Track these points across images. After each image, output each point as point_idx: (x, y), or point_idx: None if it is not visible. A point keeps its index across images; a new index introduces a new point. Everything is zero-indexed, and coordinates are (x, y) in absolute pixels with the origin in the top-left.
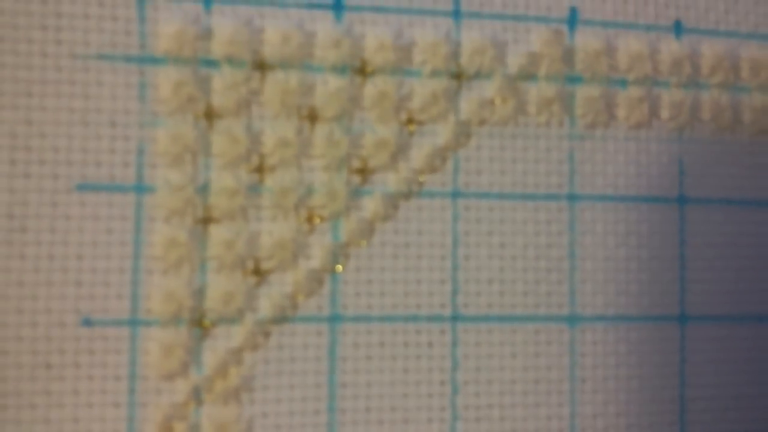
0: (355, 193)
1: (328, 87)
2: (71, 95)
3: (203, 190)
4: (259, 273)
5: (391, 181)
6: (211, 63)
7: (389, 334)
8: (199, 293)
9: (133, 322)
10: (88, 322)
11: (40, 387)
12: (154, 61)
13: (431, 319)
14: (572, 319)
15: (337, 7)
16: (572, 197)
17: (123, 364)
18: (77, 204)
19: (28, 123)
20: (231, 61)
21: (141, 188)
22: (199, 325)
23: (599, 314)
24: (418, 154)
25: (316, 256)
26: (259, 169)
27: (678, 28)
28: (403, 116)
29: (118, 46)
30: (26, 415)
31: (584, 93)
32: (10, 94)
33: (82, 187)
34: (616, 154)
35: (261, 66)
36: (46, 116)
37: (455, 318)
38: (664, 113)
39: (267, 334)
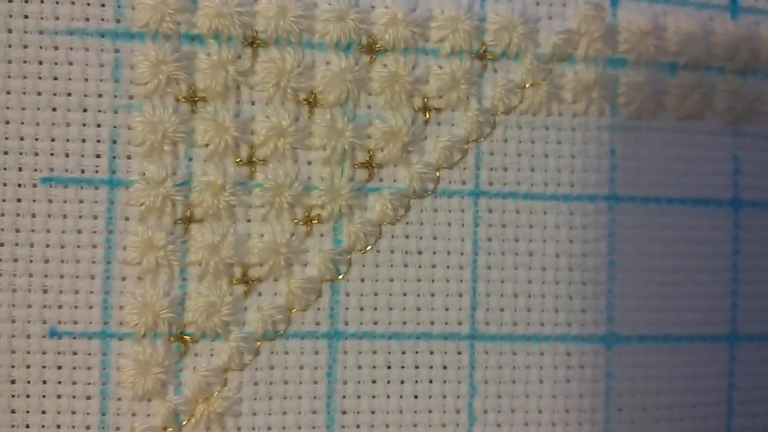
0: (360, 191)
1: (330, 67)
2: (38, 76)
3: (184, 185)
4: (247, 281)
5: (401, 176)
6: (196, 38)
7: (397, 353)
8: (179, 303)
9: (105, 335)
10: (55, 334)
11: (3, 404)
12: (131, 36)
13: (446, 337)
14: (609, 339)
15: None
16: (612, 198)
17: (94, 381)
18: (43, 199)
19: None
20: (218, 36)
21: (114, 182)
22: (179, 339)
23: (640, 333)
24: (434, 146)
25: (314, 263)
26: (249, 162)
27: (734, 7)
28: (417, 102)
29: (90, 20)
30: None
31: (628, 78)
32: None
33: (49, 181)
34: (663, 149)
35: (252, 42)
36: (9, 100)
37: (474, 336)
38: (718, 103)
39: (256, 352)
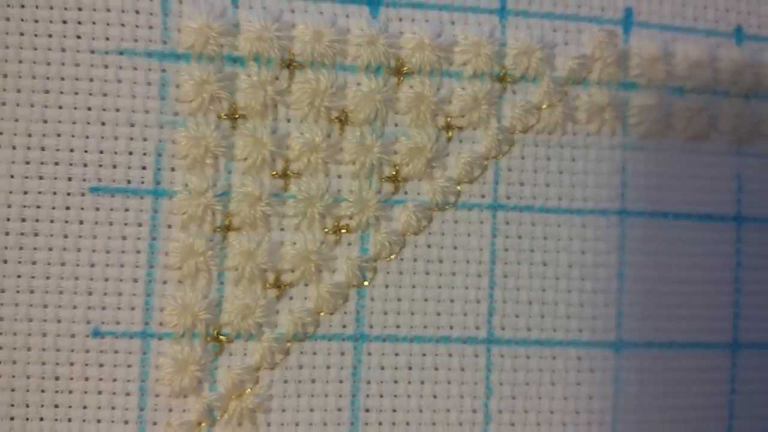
0: (386, 203)
1: (361, 88)
2: (89, 92)
3: (224, 195)
4: (279, 286)
5: (425, 190)
6: (237, 60)
7: (418, 356)
8: (216, 306)
9: (145, 335)
10: (98, 333)
11: (48, 399)
12: (177, 57)
13: (465, 341)
14: (618, 345)
15: (373, 3)
16: (623, 213)
17: (133, 378)
18: (91, 207)
19: (44, 121)
20: (258, 58)
21: (158, 192)
22: (215, 339)
23: (647, 340)
24: (456, 161)
25: (342, 270)
26: (284, 175)
27: (739, 35)
28: (441, 121)
29: (139, 41)
30: (33, 427)
31: (639, 100)
32: (28, 91)
33: (97, 190)
34: (671, 168)
35: (289, 64)
36: (62, 114)
37: (490, 341)
38: (723, 125)
39: (286, 352)
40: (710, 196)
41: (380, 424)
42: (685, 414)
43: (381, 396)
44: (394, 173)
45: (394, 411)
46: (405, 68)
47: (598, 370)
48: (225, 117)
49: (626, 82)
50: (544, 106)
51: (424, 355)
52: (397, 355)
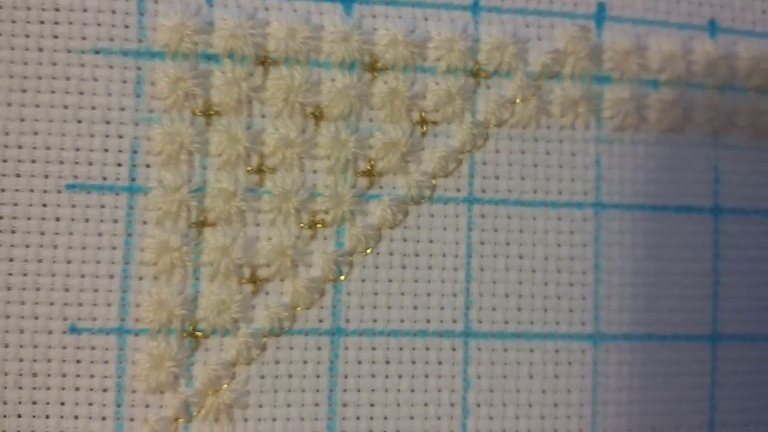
0: (361, 197)
1: (335, 84)
2: (65, 91)
3: (199, 191)
4: (255, 281)
5: (400, 184)
6: (212, 57)
7: (395, 349)
8: (191, 301)
9: (122, 331)
10: (75, 330)
11: (26, 396)
12: (152, 55)
13: (442, 334)
14: (596, 337)
15: (347, 0)
16: (598, 205)
17: (110, 375)
18: (67, 204)
19: (21, 119)
20: (232, 55)
21: (133, 189)
22: (191, 335)
23: (625, 332)
24: (431, 156)
25: (318, 264)
26: (259, 170)
27: (713, 28)
28: (415, 116)
29: (115, 40)
30: (11, 424)
31: (612, 93)
32: (5, 90)
33: (73, 187)
34: (646, 160)
35: (264, 61)
36: (38, 113)
37: (468, 334)
38: (698, 117)
39: (263, 347)
40: (687, 187)
41: (358, 418)
42: (666, 407)
43: (358, 390)
44: (369, 168)
45: (372, 405)
46: (379, 64)
47: (576, 363)
48: (200, 114)
49: (600, 75)
50: (518, 101)
51: (401, 349)
52: (374, 349)
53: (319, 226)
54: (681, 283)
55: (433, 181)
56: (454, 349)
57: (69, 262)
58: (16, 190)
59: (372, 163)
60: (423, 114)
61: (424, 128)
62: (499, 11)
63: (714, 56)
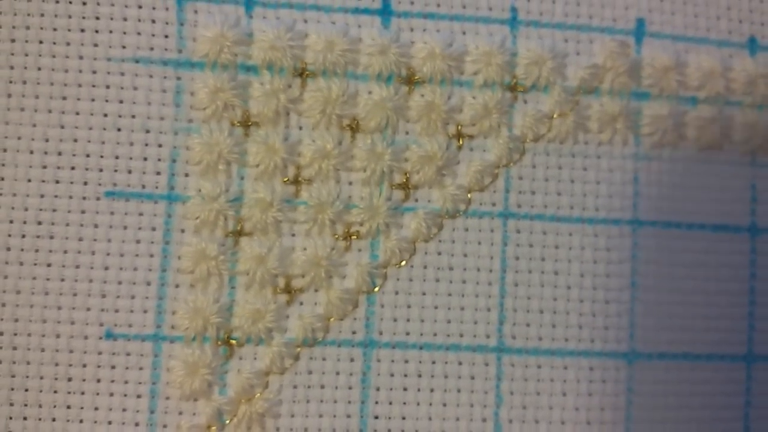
0: (396, 210)
1: (372, 96)
2: (105, 99)
3: (236, 201)
4: (290, 291)
5: (435, 197)
6: (251, 69)
7: (428, 363)
8: (227, 310)
9: (157, 338)
10: (110, 335)
11: (60, 400)
12: (192, 65)
13: (475, 349)
14: (631, 356)
15: (385, 12)
16: (635, 223)
17: (145, 381)
18: (106, 211)
19: (61, 126)
20: (271, 67)
21: (172, 197)
22: (225, 343)
23: (660, 351)
24: (467, 170)
25: (352, 276)
26: (295, 181)
27: (752, 45)
28: (452, 129)
29: (155, 50)
30: (46, 428)
31: (651, 110)
32: (46, 97)
33: (112, 194)
34: (683, 178)
35: (302, 73)
36: (79, 120)
37: (501, 349)
38: (737, 135)
39: (296, 357)
40: (724, 206)
41: (389, 431)
42: (699, 427)
43: (390, 403)
44: (404, 180)
45: (404, 419)
46: (416, 77)
47: (610, 381)
48: (238, 124)
49: (638, 91)
50: (555, 116)
51: (433, 362)
52: (406, 362)
53: (353, 237)
54: (717, 303)
55: (469, 195)
56: (487, 365)
57: (106, 268)
58: (56, 197)
59: (407, 175)
60: (459, 127)
61: (460, 142)
62: (538, 25)
63: (753, 74)
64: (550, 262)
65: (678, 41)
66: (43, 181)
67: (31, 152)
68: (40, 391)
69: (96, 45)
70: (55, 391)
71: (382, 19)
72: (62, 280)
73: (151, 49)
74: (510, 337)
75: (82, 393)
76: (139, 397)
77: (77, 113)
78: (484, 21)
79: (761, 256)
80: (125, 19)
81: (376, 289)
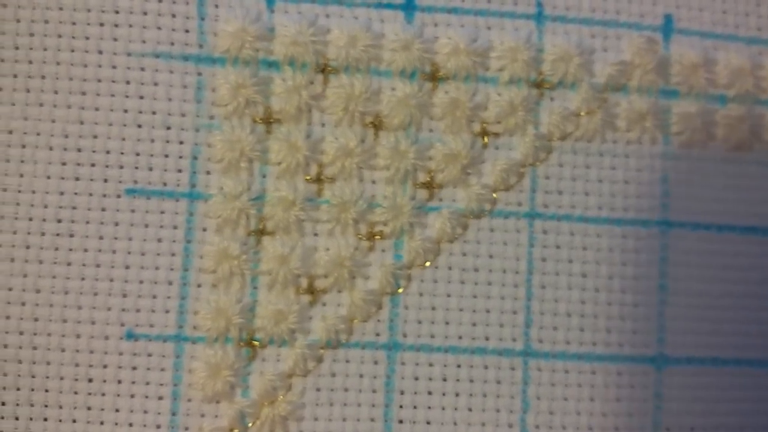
0: (421, 209)
1: (396, 93)
2: (125, 95)
3: (258, 199)
4: (313, 292)
5: (460, 197)
6: (272, 64)
7: (453, 366)
8: (249, 311)
9: (179, 338)
10: (132, 336)
11: (81, 401)
12: (213, 61)
13: (501, 353)
14: (659, 361)
15: (408, 7)
16: (665, 224)
17: (166, 382)
18: (126, 209)
19: (81, 122)
20: (293, 63)
21: (193, 195)
22: (248, 344)
23: (690, 355)
24: (492, 168)
25: (375, 277)
26: (318, 180)
27: None
28: (477, 127)
29: (175, 44)
30: (66, 429)
31: (680, 108)
32: (65, 92)
33: (132, 192)
34: (713, 178)
35: (324, 69)
36: (98, 116)
37: (527, 353)
38: (767, 134)
39: (319, 359)
40: (755, 208)
41: None
42: None
43: (414, 407)
44: (428, 179)
45: (428, 423)
46: (440, 73)
47: (638, 387)
48: (260, 121)
49: (667, 89)
50: (583, 113)
51: (458, 366)
52: (431, 365)
53: (377, 237)
54: (748, 306)
55: (494, 195)
56: (513, 369)
57: (127, 267)
58: (75, 194)
59: (432, 174)
60: (484, 125)
61: (486, 140)
62: (564, 21)
63: None
64: (578, 264)
65: (706, 38)
66: (63, 179)
67: (51, 149)
68: (61, 392)
69: (116, 39)
70: (76, 392)
71: (406, 14)
72: (83, 279)
73: (172, 44)
74: (537, 340)
75: (103, 394)
76: (160, 398)
77: (97, 109)
78: (509, 16)
79: None
80: (145, 13)
81: (400, 290)
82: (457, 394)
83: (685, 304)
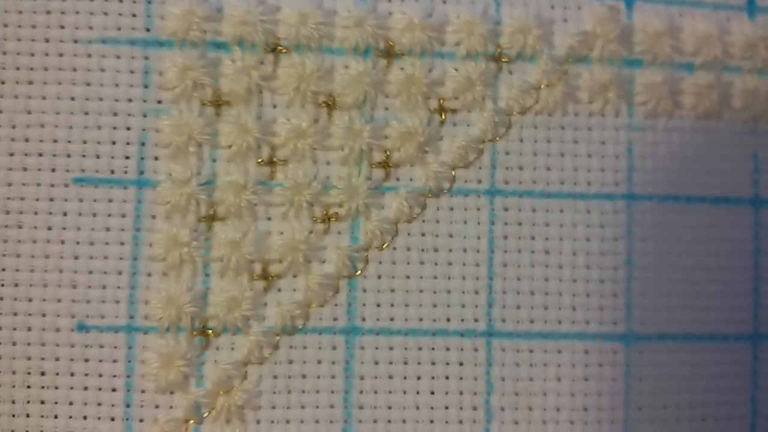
0: (377, 190)
1: (349, 71)
2: (72, 82)
3: (208, 184)
4: (267, 277)
5: (418, 176)
6: (221, 45)
7: (414, 349)
8: (201, 298)
9: (130, 329)
10: (83, 327)
11: (34, 395)
12: (160, 44)
13: (463, 334)
14: (628, 338)
15: None
16: (630, 197)
17: (119, 374)
18: (74, 198)
19: (28, 112)
20: (242, 43)
21: (142, 182)
22: (201, 333)
23: (659, 332)
24: (450, 146)
25: (332, 260)
26: (270, 162)
27: (751, 7)
28: (434, 103)
29: (122, 29)
30: (19, 424)
31: (644, 78)
32: (12, 82)
33: (80, 180)
34: (681, 148)
35: (274, 48)
36: (45, 105)
37: (491, 333)
38: (736, 102)
39: (275, 346)
40: (724, 177)
41: (375, 421)
42: (704, 411)
43: (375, 392)
44: (384, 159)
45: (389, 408)
46: (395, 50)
47: (607, 365)
48: (209, 104)
49: (630, 59)
50: (543, 86)
51: (420, 349)
52: (391, 349)
53: (332, 220)
54: (719, 280)
55: (453, 173)
56: (476, 350)
57: (76, 257)
58: (23, 184)
59: (388, 153)
60: (441, 101)
61: (443, 116)
62: None
63: (753, 38)
64: (541, 240)
65: (671, 5)
66: (10, 169)
67: None
68: (13, 386)
69: (62, 27)
70: (29, 386)
71: None
72: (32, 270)
73: (119, 28)
74: (500, 320)
75: (56, 387)
76: (114, 390)
77: (44, 98)
78: None
79: (765, 230)
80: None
81: (358, 273)
82: (418, 378)
83: (653, 278)
